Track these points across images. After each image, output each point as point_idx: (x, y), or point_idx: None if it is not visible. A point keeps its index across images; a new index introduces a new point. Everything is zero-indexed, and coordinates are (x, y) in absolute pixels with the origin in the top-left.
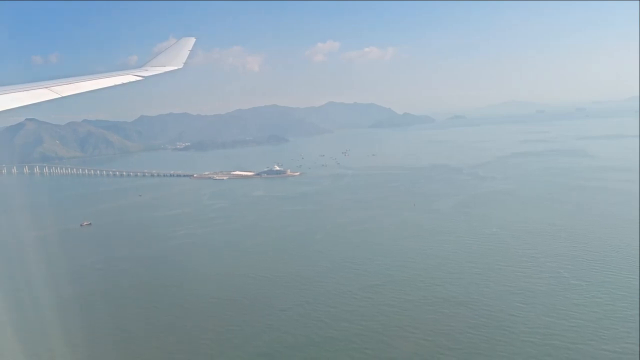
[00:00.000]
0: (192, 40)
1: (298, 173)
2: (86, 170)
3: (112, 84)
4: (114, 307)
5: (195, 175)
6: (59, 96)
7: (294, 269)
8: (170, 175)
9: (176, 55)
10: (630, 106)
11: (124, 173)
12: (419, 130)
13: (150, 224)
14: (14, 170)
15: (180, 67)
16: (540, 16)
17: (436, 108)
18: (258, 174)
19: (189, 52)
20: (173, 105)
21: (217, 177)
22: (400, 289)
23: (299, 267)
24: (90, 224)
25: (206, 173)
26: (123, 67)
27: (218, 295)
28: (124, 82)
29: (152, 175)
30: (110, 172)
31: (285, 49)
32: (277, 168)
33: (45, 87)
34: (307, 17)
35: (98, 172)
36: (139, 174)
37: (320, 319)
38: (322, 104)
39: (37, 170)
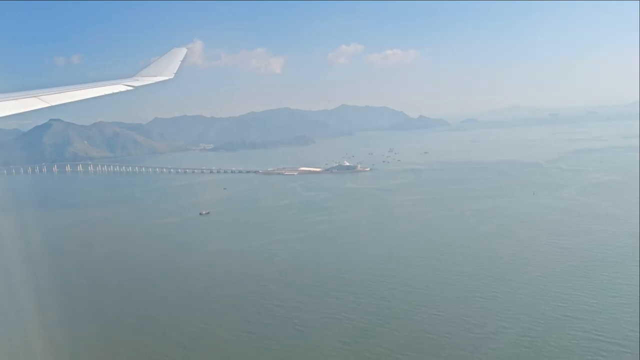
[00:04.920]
0: (184, 50)
1: (368, 169)
2: (136, 168)
3: (102, 94)
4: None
5: (260, 171)
6: (48, 105)
7: (488, 250)
8: (232, 172)
9: (167, 66)
10: (636, 110)
11: (179, 170)
12: (440, 132)
13: (271, 213)
14: (55, 168)
15: (171, 77)
16: (546, 22)
17: (447, 111)
18: (327, 170)
19: (180, 62)
20: (185, 108)
21: (286, 173)
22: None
23: (491, 248)
24: (208, 212)
25: (270, 169)
26: (144, 67)
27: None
28: (114, 91)
29: (212, 172)
30: (164, 169)
31: (309, 51)
32: (347, 164)
33: (35, 96)
34: (333, 18)
35: (150, 169)
36: (195, 170)
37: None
38: (335, 107)
39: (80, 168)
